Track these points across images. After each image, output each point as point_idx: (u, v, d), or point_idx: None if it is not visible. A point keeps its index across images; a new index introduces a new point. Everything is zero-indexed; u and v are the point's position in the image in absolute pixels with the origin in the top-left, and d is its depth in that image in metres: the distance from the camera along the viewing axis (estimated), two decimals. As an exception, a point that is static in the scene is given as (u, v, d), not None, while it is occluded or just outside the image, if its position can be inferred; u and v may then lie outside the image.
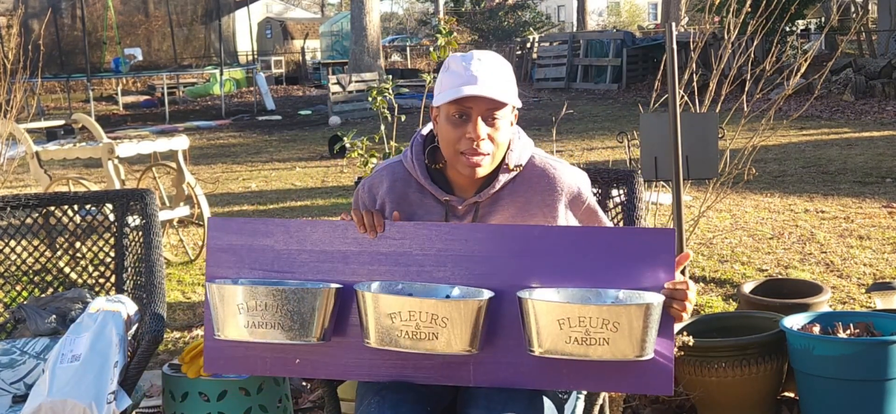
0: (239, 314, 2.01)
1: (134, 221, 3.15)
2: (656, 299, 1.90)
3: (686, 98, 4.21)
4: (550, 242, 2.02)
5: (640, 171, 2.89)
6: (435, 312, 1.91)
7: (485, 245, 2.04)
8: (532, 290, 1.98)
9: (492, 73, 2.10)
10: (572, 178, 2.22)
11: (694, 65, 4.35)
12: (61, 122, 9.80)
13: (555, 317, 1.86)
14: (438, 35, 4.20)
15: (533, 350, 1.91)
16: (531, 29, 30.07)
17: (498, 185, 2.18)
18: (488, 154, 2.11)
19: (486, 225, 2.15)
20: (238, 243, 2.14)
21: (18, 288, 3.27)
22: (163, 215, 5.69)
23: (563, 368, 1.97)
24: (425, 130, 2.29)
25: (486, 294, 1.97)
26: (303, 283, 2.08)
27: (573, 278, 1.99)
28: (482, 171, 2.13)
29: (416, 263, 2.07)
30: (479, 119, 2.08)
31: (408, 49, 32.34)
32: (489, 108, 2.09)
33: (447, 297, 2.02)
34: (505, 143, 2.15)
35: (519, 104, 2.19)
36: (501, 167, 2.18)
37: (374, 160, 4.17)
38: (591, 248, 2.00)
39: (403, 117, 4.66)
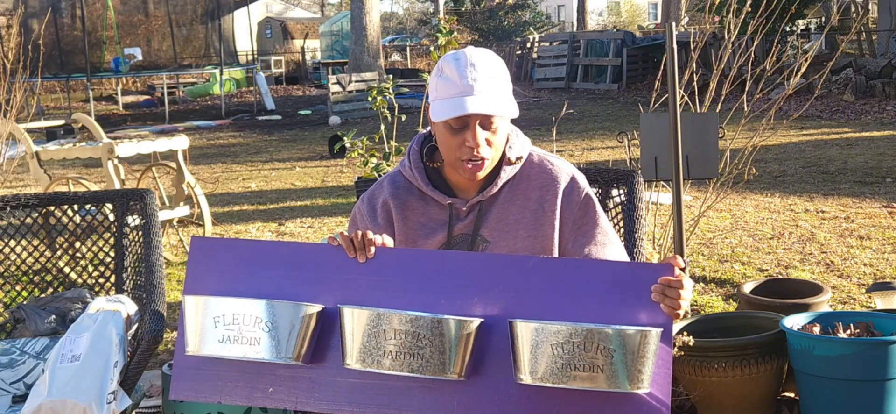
0: (214, 327, 1.91)
1: (134, 220, 3.16)
2: (654, 330, 1.81)
3: (686, 98, 4.21)
4: (547, 275, 1.93)
5: (640, 171, 2.89)
6: (422, 331, 1.82)
7: (478, 275, 1.95)
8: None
9: (488, 81, 2.07)
10: (568, 170, 2.23)
11: (694, 65, 4.35)
12: (61, 122, 9.82)
13: (547, 340, 1.77)
14: (438, 35, 4.20)
15: (521, 378, 1.81)
16: (531, 29, 30.04)
17: (499, 184, 2.18)
18: (488, 158, 2.11)
19: (481, 254, 2.09)
20: (220, 264, 2.04)
21: (18, 288, 3.28)
22: (162, 215, 5.68)
23: (553, 407, 1.88)
24: (421, 136, 2.28)
25: (477, 320, 1.88)
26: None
27: (569, 312, 1.89)
28: (482, 175, 2.13)
29: (404, 290, 1.97)
30: (477, 127, 2.07)
31: (408, 49, 32.33)
32: (486, 116, 2.07)
33: None
34: (502, 145, 2.15)
35: (513, 102, 2.17)
36: (501, 164, 2.18)
37: (373, 160, 4.18)
38: (589, 281, 1.91)
39: (403, 117, 4.66)
